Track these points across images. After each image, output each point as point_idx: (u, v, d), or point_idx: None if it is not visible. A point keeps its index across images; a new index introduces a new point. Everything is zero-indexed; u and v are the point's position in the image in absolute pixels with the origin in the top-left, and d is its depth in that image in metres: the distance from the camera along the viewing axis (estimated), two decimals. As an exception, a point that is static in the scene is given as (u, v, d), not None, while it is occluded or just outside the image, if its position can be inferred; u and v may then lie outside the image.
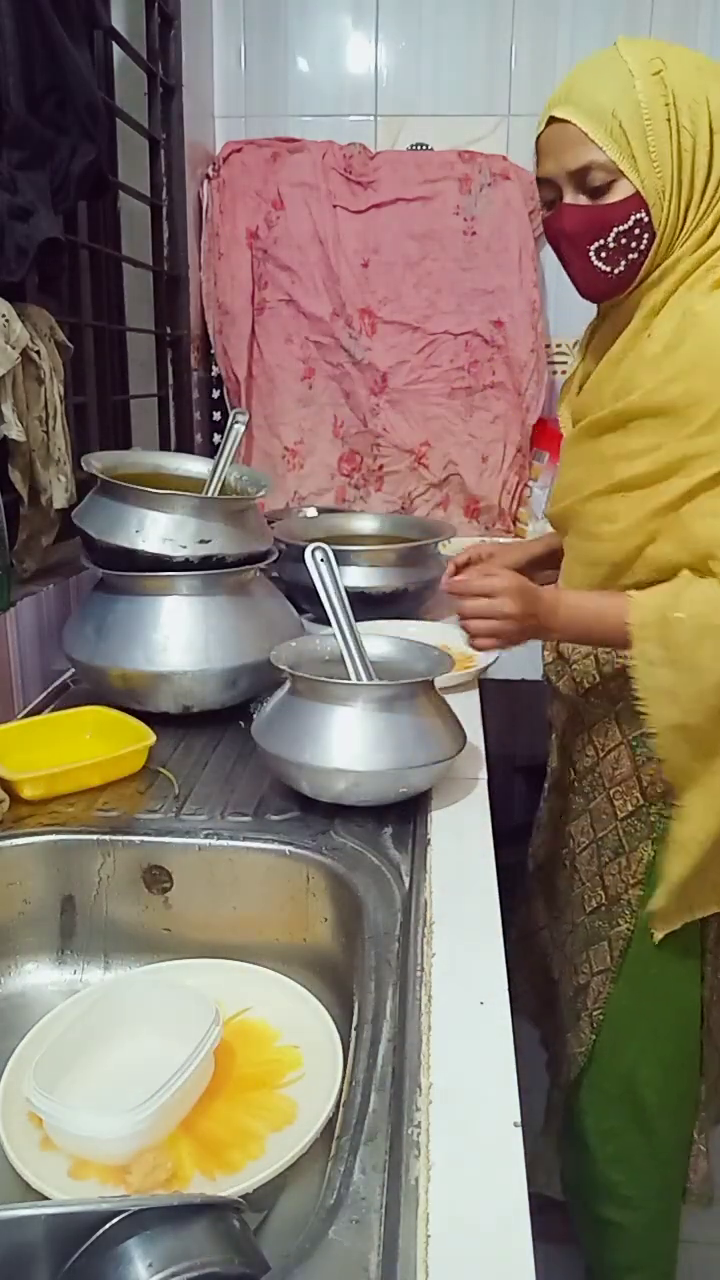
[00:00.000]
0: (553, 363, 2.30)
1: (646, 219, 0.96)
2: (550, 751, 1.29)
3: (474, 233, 2.19)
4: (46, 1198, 0.66)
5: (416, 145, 2.25)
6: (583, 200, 0.98)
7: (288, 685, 1.03)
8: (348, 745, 0.96)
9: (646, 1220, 1.20)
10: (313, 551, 1.06)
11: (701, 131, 0.94)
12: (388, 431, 2.28)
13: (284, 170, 2.19)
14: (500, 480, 2.31)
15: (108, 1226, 0.45)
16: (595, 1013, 1.17)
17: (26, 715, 1.26)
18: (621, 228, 0.97)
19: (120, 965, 0.95)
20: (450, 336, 2.25)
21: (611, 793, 1.14)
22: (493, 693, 1.48)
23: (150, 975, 0.88)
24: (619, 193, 0.96)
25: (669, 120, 0.93)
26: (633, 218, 0.96)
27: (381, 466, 2.32)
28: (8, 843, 0.94)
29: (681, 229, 0.98)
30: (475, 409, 2.29)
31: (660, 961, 1.11)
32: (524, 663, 1.30)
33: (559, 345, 2.29)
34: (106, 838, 0.95)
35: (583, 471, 1.08)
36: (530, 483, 2.32)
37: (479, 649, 1.07)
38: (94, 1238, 0.45)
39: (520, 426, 2.29)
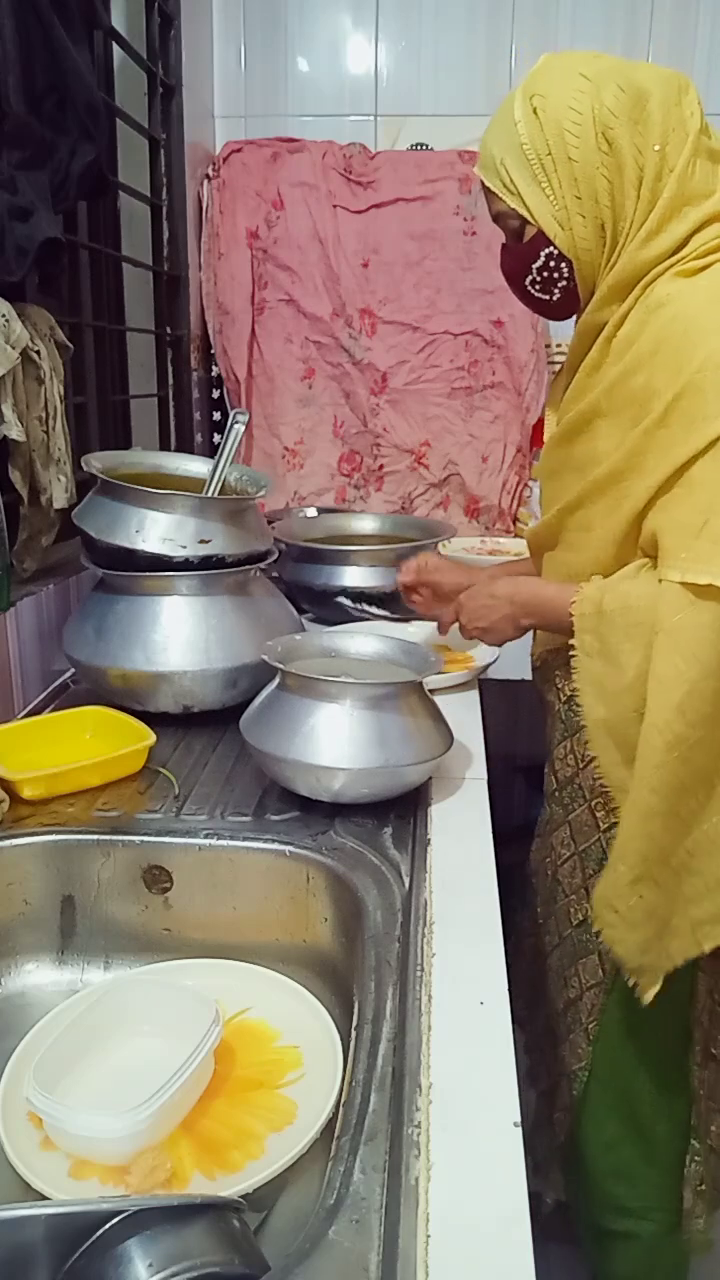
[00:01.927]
0: (553, 362, 2.30)
1: (557, 250, 1.00)
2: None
3: (474, 233, 2.19)
4: (46, 1198, 0.66)
5: (416, 145, 2.25)
6: (508, 243, 1.05)
7: (276, 680, 1.04)
8: (334, 742, 0.96)
9: (651, 1232, 1.18)
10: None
11: (589, 153, 0.94)
12: (388, 431, 2.28)
13: (284, 170, 2.19)
14: (500, 480, 2.32)
15: (108, 1226, 0.46)
16: (590, 1026, 1.15)
17: (26, 715, 1.26)
18: (537, 264, 1.02)
19: (120, 965, 0.95)
20: (450, 336, 2.25)
21: (593, 804, 1.11)
22: (493, 693, 1.48)
23: (150, 975, 0.88)
24: (528, 233, 1.01)
25: (550, 154, 0.96)
26: (543, 254, 1.01)
27: (381, 466, 2.32)
28: (8, 843, 0.94)
29: (611, 243, 0.98)
30: (475, 409, 2.29)
31: None
32: (524, 663, 1.30)
33: (559, 345, 2.29)
34: (106, 838, 0.95)
35: (559, 483, 1.08)
36: (530, 482, 2.33)
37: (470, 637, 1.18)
38: (94, 1238, 0.45)
39: (520, 426, 2.29)
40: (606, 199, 0.96)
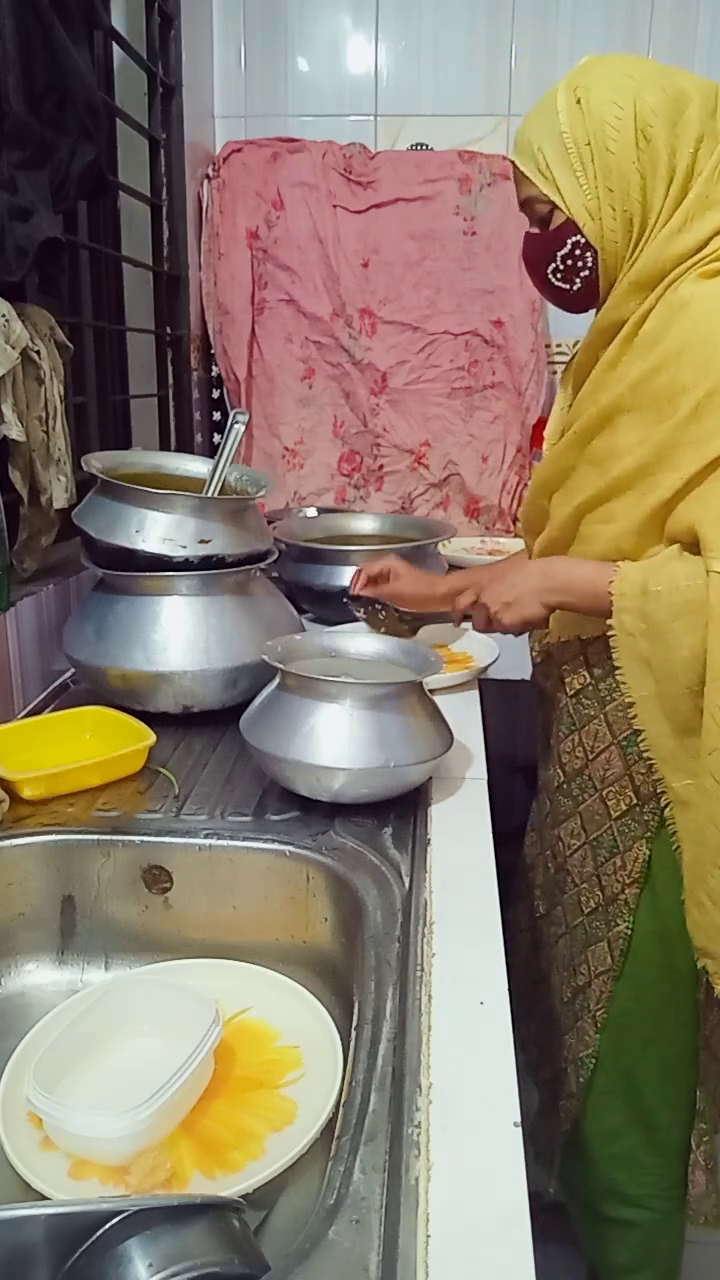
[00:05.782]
0: (553, 363, 2.30)
1: (584, 239, 1.02)
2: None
3: (474, 233, 2.19)
4: (46, 1198, 0.66)
5: (416, 145, 2.25)
6: (534, 230, 1.07)
7: (276, 680, 1.04)
8: (334, 742, 0.96)
9: (650, 1219, 1.20)
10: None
11: (626, 147, 0.97)
12: (388, 431, 2.28)
13: (284, 170, 2.19)
14: (500, 480, 2.32)
15: (108, 1226, 0.45)
16: (599, 1013, 1.17)
17: (26, 715, 1.26)
18: (563, 251, 1.04)
19: (120, 965, 0.95)
20: (450, 336, 2.25)
21: (604, 793, 1.13)
22: (493, 693, 1.48)
23: (150, 975, 0.88)
24: (557, 220, 1.03)
25: (589, 144, 0.98)
26: (570, 241, 1.03)
27: (381, 466, 2.32)
28: (8, 843, 0.94)
29: (636, 238, 1.01)
30: (475, 409, 2.29)
31: (660, 961, 1.12)
32: (523, 663, 1.30)
33: (559, 345, 2.30)
34: (106, 838, 0.95)
35: (573, 480, 1.10)
36: (530, 482, 2.32)
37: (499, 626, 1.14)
38: (94, 1238, 0.45)
39: (520, 426, 2.29)
40: (638, 194, 0.99)
